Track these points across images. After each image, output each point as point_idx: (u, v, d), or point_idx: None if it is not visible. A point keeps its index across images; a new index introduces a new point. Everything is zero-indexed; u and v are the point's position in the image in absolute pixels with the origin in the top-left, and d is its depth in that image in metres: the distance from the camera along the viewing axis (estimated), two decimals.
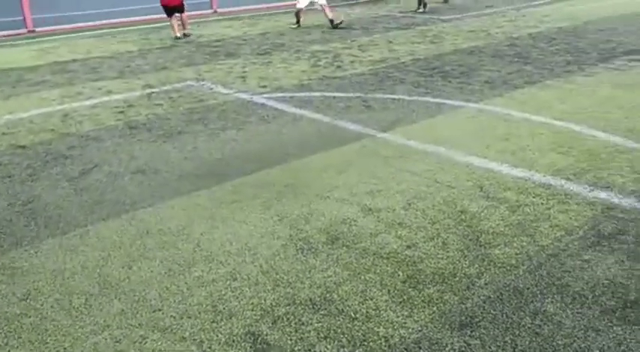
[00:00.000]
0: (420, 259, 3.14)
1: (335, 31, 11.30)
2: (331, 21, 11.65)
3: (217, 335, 2.58)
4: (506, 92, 6.46)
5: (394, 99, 6.33)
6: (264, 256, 3.22)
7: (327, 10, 11.58)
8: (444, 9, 14.37)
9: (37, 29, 12.02)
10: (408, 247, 3.26)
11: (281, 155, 4.75)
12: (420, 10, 13.78)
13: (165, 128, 5.54)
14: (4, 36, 11.65)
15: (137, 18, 13.07)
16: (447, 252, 3.20)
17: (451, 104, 6.07)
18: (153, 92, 6.92)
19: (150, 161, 4.71)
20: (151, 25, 12.58)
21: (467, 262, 3.09)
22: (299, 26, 11.87)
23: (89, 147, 5.08)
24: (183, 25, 11.04)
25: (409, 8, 14.69)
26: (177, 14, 10.88)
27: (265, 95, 6.64)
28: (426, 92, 6.56)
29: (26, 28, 12.02)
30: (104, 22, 12.62)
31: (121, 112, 6.11)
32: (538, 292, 2.82)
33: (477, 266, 3.05)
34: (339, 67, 8.07)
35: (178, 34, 10.92)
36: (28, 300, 2.87)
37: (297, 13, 11.76)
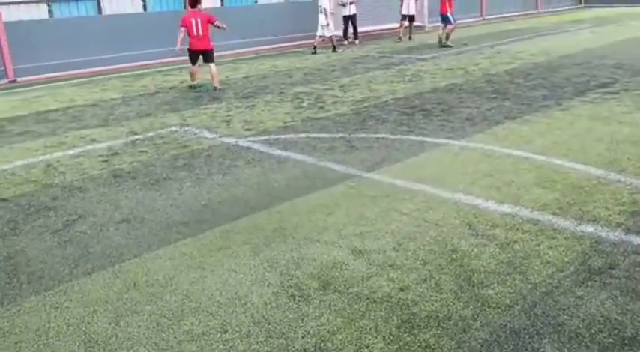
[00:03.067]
0: (413, 302, 3.10)
1: (316, 73, 11.47)
2: (334, 46, 14.47)
3: None
4: (486, 128, 6.55)
5: (378, 138, 6.38)
6: (256, 305, 3.15)
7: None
8: (422, 48, 14.69)
9: (19, 79, 12.01)
10: (401, 290, 3.23)
11: (268, 198, 4.73)
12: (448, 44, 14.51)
13: (150, 175, 5.51)
14: None
15: (119, 66, 13.15)
16: (441, 293, 3.17)
17: (434, 142, 6.13)
18: (137, 139, 6.89)
19: (135, 210, 4.65)
20: (134, 73, 12.65)
21: (461, 304, 3.06)
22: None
23: (73, 198, 5.01)
24: (212, 77, 9.91)
25: (386, 48, 15.02)
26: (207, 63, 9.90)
27: (250, 138, 6.66)
28: (409, 130, 6.63)
29: (7, 78, 12.01)
30: (86, 70, 12.66)
31: (105, 161, 6.07)
32: (535, 332, 2.79)
33: (471, 307, 3.02)
34: (321, 107, 8.15)
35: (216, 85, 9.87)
36: None
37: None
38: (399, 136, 6.41)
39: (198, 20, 9.63)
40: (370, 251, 3.71)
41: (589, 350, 2.65)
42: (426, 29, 19.37)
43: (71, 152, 6.49)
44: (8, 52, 11.90)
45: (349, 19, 16.29)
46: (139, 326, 3.01)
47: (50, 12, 14.25)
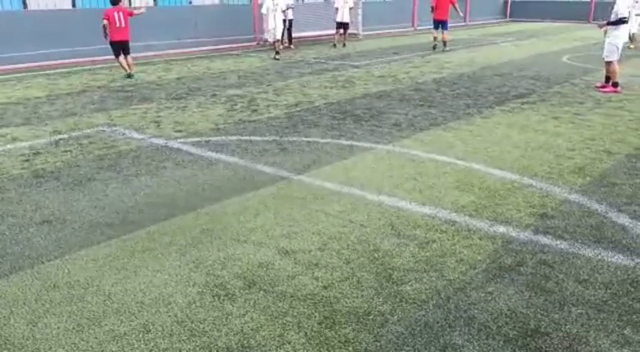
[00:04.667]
0: (335, 299, 3.21)
1: (250, 76, 11.49)
2: (277, 53, 14.11)
3: None
4: (413, 134, 6.81)
5: (309, 141, 6.50)
6: (180, 305, 3.16)
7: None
8: (355, 55, 15.00)
9: None
10: (325, 288, 3.33)
11: (197, 200, 4.73)
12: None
13: (74, 176, 5.36)
14: None
15: (45, 63, 12.64)
16: (362, 290, 3.30)
17: (362, 146, 6.31)
18: (61, 139, 6.68)
19: (57, 211, 4.52)
20: (60, 70, 12.20)
21: (380, 300, 3.20)
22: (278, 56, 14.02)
23: None
24: (129, 66, 11.16)
25: (321, 54, 15.23)
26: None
27: (180, 140, 6.60)
28: (339, 135, 6.79)
29: None
30: (9, 67, 12.09)
31: (27, 160, 5.85)
32: (447, 325, 2.96)
33: (389, 303, 3.16)
34: (254, 110, 8.19)
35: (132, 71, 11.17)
36: None
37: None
38: (329, 140, 6.55)
39: (120, 14, 10.79)
40: (296, 251, 3.80)
41: (495, 342, 2.84)
42: (360, 37, 19.78)
43: None
44: None
45: (285, 24, 16.42)
46: (58, 327, 2.96)
47: None
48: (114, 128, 7.18)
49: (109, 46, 10.93)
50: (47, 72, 11.93)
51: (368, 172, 5.40)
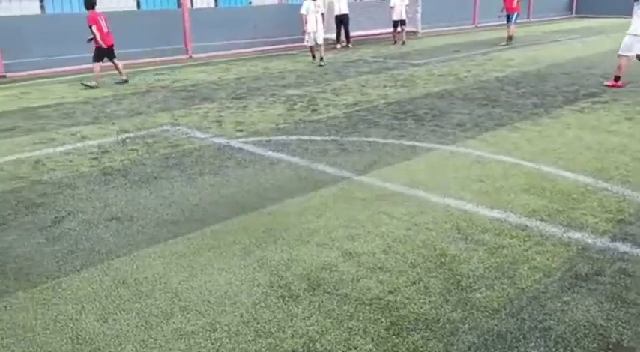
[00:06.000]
0: (402, 304, 3.12)
1: (308, 75, 11.49)
2: (321, 58, 13.06)
3: None
4: (477, 134, 6.60)
5: (369, 142, 6.41)
6: (245, 305, 3.16)
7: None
8: (415, 54, 14.78)
9: (8, 74, 11.92)
10: (390, 292, 3.24)
11: (259, 199, 4.73)
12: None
13: (140, 174, 5.49)
14: None
15: (109, 64, 13.10)
16: (429, 296, 3.19)
17: (425, 146, 6.17)
18: (128, 137, 6.87)
19: (125, 208, 4.63)
20: (126, 71, 12.59)
21: (449, 307, 3.08)
22: (315, 60, 13.34)
23: (62, 195, 4.98)
24: (120, 71, 10.82)
25: (380, 53, 15.09)
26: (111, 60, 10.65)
27: (242, 139, 6.66)
28: (400, 135, 6.67)
29: None
30: (76, 67, 12.59)
31: (95, 158, 6.04)
32: (521, 336, 2.82)
33: (459, 310, 3.04)
34: (314, 110, 8.17)
35: (125, 78, 10.80)
36: None
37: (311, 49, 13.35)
38: (390, 140, 6.45)
39: (103, 18, 10.33)
40: (360, 253, 3.73)
41: None
42: (419, 35, 19.49)
43: (61, 149, 6.45)
44: None
45: (341, 21, 16.33)
46: (128, 324, 3.00)
47: (42, 7, 14.18)
48: (177, 127, 7.33)
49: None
50: (112, 72, 12.34)
51: (432, 173, 5.27)
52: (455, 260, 3.60)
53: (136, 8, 15.60)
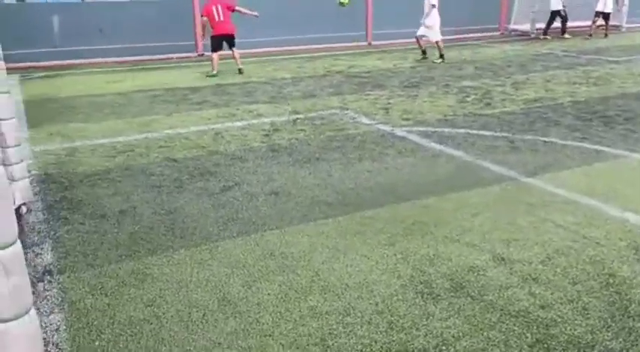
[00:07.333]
0: (553, 322, 2.80)
1: (488, 67, 10.92)
2: (442, 55, 11.79)
3: None
4: None
5: (545, 142, 5.89)
6: (382, 295, 3.09)
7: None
8: (614, 49, 13.25)
9: (206, 53, 13.19)
10: (542, 307, 2.94)
11: (414, 191, 4.61)
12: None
13: (304, 153, 5.68)
14: (178, 58, 12.95)
15: (294, 48, 13.81)
16: (587, 318, 2.83)
17: (611, 152, 5.49)
18: (298, 118, 7.16)
19: (285, 184, 4.83)
20: (307, 55, 13.17)
21: (610, 334, 2.70)
22: (425, 57, 12.09)
23: (232, 166, 5.35)
24: (237, 60, 10.73)
25: (572, 47, 13.80)
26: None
27: (406, 128, 6.55)
28: (583, 137, 6.02)
29: (196, 51, 13.32)
30: (266, 49, 13.48)
31: (267, 135, 6.39)
32: None
33: (621, 340, 2.65)
34: (488, 104, 7.74)
35: (240, 66, 10.67)
36: (152, 307, 3.04)
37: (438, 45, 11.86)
38: (570, 142, 5.85)
39: (219, 7, 10.33)
40: (514, 260, 3.44)
41: None
42: (622, 29, 17.42)
43: (239, 124, 6.95)
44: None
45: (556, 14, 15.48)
46: (269, 294, 3.12)
47: None
48: (345, 112, 7.45)
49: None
50: (297, 56, 12.97)
51: (614, 183, 4.66)
52: (625, 282, 3.14)
53: None
